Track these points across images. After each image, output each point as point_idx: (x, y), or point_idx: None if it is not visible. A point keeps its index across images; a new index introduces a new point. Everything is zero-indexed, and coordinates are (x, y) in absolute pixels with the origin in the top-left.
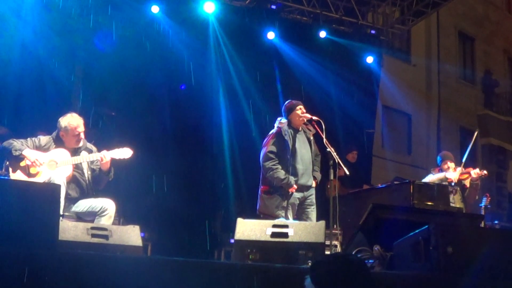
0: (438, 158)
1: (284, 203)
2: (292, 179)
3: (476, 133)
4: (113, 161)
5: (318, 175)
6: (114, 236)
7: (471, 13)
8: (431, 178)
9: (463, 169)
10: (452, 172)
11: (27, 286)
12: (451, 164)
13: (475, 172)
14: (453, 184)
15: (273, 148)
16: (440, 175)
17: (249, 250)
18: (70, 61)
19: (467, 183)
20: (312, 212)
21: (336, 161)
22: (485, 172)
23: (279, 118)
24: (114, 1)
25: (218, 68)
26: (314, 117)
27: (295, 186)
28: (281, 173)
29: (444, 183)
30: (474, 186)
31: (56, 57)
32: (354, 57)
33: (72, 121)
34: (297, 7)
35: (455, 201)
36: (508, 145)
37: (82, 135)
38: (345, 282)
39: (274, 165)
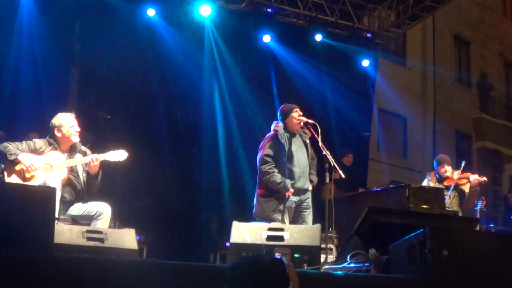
0: (435, 162)
1: (281, 207)
2: (288, 182)
3: (463, 164)
4: (109, 164)
5: (315, 179)
6: (109, 239)
7: (467, 16)
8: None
9: (461, 173)
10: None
11: None
12: (448, 168)
13: (474, 178)
14: (451, 189)
15: (270, 152)
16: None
17: (244, 254)
18: (66, 64)
19: (465, 188)
20: (309, 215)
21: (332, 164)
22: (484, 178)
23: (275, 122)
24: (110, 4)
25: (214, 71)
26: (309, 121)
27: (291, 190)
28: (278, 177)
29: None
30: (475, 192)
31: (52, 60)
32: (349, 61)
33: (65, 117)
34: (293, 11)
35: (452, 206)
36: (504, 149)
37: (77, 128)
38: (257, 284)
39: (270, 168)
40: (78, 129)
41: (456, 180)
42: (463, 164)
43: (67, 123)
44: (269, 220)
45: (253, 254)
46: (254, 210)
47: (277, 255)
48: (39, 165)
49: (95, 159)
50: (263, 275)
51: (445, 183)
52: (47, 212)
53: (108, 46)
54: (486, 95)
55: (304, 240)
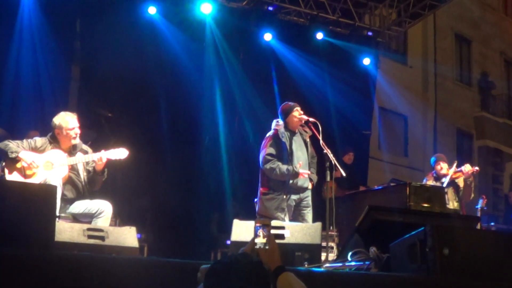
0: (432, 159)
1: (284, 205)
2: (292, 166)
3: (455, 164)
4: (109, 162)
5: (314, 177)
6: (110, 237)
7: (468, 15)
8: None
9: (456, 169)
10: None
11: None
12: (444, 165)
13: (467, 170)
14: (444, 184)
15: (272, 150)
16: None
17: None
18: (66, 61)
19: (460, 182)
20: (308, 213)
21: (333, 162)
22: (476, 168)
23: (275, 120)
24: (111, 2)
25: (215, 70)
26: (310, 119)
27: (301, 171)
28: (283, 167)
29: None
30: (469, 183)
31: (52, 58)
32: (351, 59)
33: (66, 118)
34: (294, 9)
35: (449, 200)
36: (504, 147)
37: (77, 131)
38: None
39: (273, 163)
40: (78, 132)
41: (451, 175)
42: (455, 164)
43: (67, 125)
44: (272, 218)
45: (230, 256)
46: (257, 208)
47: (258, 226)
48: (40, 163)
49: (103, 157)
50: (242, 282)
51: (442, 180)
52: (48, 210)
53: (109, 44)
54: (487, 94)
55: (305, 238)
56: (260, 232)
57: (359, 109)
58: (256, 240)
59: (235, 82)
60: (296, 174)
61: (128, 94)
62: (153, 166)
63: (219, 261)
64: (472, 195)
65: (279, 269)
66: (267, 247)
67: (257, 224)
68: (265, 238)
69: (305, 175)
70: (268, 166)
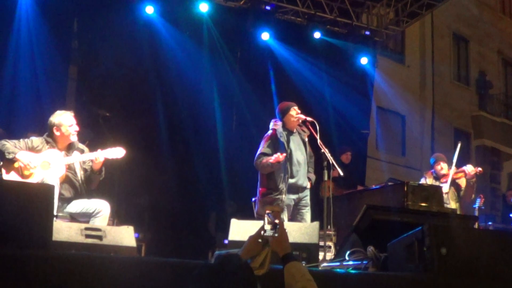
0: (431, 159)
1: (282, 205)
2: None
3: (459, 145)
4: (107, 161)
5: (312, 177)
6: (108, 236)
7: (466, 14)
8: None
9: (456, 169)
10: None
11: (20, 287)
12: (444, 165)
13: (470, 170)
14: (447, 185)
15: (267, 150)
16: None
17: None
18: (64, 61)
19: (462, 182)
20: (307, 213)
21: (330, 162)
22: (479, 168)
23: (273, 120)
24: (109, 2)
25: (213, 69)
26: (308, 118)
27: (279, 154)
28: (263, 158)
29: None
30: (472, 184)
31: (50, 58)
32: (348, 58)
33: (64, 115)
34: (292, 8)
35: (450, 200)
36: (502, 146)
37: (76, 127)
38: None
39: (259, 158)
40: (77, 128)
41: (452, 175)
42: (459, 146)
43: (66, 122)
44: None
45: (217, 257)
46: (255, 208)
47: (267, 212)
48: (37, 163)
49: (99, 157)
50: (230, 286)
51: (442, 180)
52: (46, 209)
53: (107, 43)
54: (484, 93)
55: (303, 238)
56: (269, 219)
57: (357, 109)
58: (266, 227)
59: (233, 81)
60: (277, 160)
61: (125, 93)
62: (151, 165)
63: (207, 265)
64: (473, 196)
65: (286, 258)
66: (276, 235)
67: (267, 211)
68: (275, 225)
69: (280, 158)
70: (256, 162)
